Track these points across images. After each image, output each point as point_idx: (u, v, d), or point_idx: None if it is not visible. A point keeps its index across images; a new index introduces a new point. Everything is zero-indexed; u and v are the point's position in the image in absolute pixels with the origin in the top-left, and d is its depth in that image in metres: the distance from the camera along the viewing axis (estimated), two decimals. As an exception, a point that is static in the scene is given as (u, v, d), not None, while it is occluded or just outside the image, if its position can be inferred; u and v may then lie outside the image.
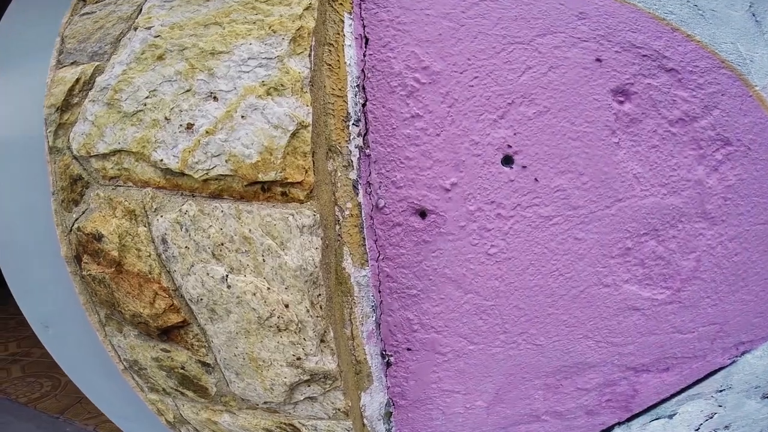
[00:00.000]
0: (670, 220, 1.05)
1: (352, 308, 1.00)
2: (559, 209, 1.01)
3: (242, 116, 0.82)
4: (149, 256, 0.95)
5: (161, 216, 0.91)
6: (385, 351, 1.10)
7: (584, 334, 1.09)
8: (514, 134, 0.99)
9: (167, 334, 1.00)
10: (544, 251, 1.02)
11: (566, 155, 1.00)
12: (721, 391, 1.24)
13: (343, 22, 0.94)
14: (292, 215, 0.81)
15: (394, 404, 1.15)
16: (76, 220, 0.98)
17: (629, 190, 1.03)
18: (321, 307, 0.87)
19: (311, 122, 0.79)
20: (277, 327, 0.88)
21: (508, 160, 1.00)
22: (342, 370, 0.96)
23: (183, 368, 1.04)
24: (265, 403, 0.98)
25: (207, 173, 0.85)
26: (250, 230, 0.84)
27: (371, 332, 1.05)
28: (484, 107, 0.98)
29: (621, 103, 1.04)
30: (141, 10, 0.94)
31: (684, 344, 1.16)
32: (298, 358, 0.91)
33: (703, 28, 1.03)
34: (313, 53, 0.82)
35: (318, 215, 0.81)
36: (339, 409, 0.97)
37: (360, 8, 0.97)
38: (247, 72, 0.82)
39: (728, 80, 1.06)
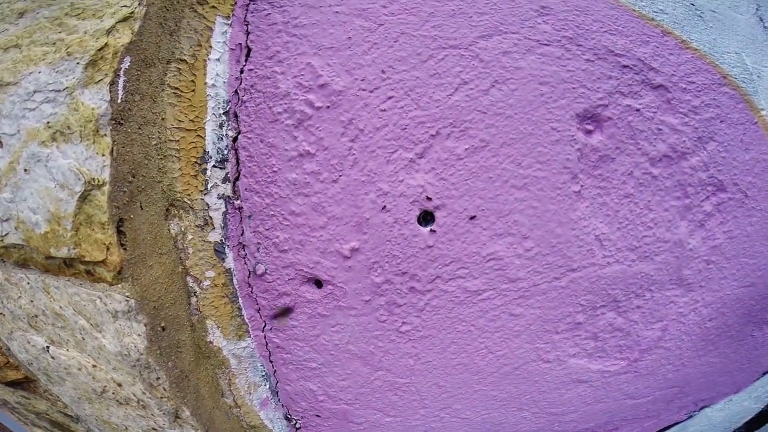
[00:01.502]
0: (636, 290, 0.75)
1: (230, 379, 0.75)
2: (492, 282, 0.71)
3: (25, 170, 0.52)
4: (-22, 315, 0.70)
5: (-22, 278, 0.65)
6: (289, 415, 0.86)
7: (518, 407, 0.84)
8: (437, 181, 0.67)
9: (19, 384, 0.80)
10: (470, 329, 0.73)
11: (506, 212, 0.68)
12: (674, 441, 1.01)
13: (211, 30, 0.61)
14: (100, 298, 0.54)
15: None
16: None
17: (588, 257, 0.71)
18: (165, 389, 0.62)
19: (109, 179, 0.49)
20: (117, 401, 0.65)
21: (426, 218, 0.68)
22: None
23: (48, 415, 0.84)
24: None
25: (2, 240, 0.57)
26: (61, 307, 0.58)
27: (266, 399, 0.81)
28: (398, 141, 0.66)
29: (589, 133, 0.71)
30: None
31: (636, 408, 0.91)
32: (154, 429, 0.69)
33: (702, 33, 0.68)
34: (122, 79, 0.51)
35: (133, 300, 0.54)
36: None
37: (246, 10, 0.63)
38: (32, 110, 0.52)
39: (730, 102, 0.72)
